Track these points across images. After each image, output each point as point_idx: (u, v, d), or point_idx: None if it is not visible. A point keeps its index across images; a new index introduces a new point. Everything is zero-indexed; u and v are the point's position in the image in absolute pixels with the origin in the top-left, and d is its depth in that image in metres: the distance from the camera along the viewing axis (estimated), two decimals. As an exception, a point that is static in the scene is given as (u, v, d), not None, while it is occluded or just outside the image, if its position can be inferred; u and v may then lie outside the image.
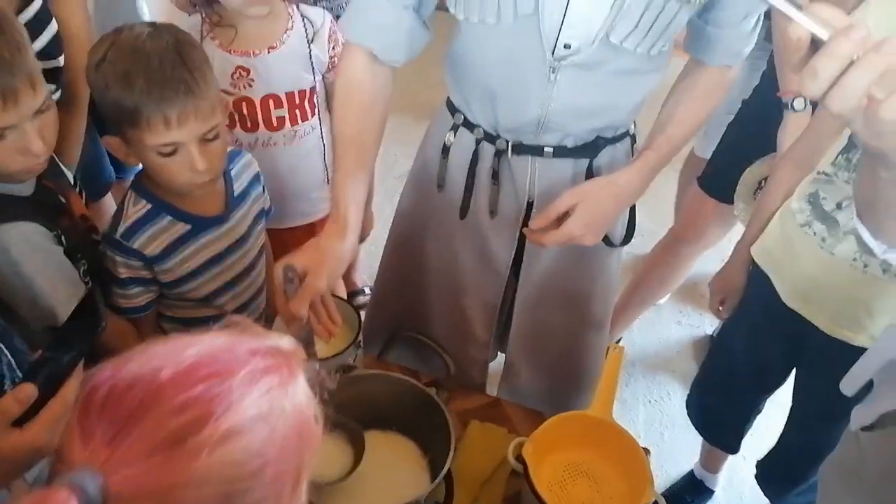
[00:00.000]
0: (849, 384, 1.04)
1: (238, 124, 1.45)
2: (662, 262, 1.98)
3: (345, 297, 1.88)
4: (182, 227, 1.13)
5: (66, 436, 0.46)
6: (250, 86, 1.42)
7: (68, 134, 1.25)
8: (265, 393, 0.48)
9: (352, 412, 1.09)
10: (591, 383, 1.45)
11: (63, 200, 1.06)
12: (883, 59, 0.51)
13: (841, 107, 0.53)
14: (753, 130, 1.63)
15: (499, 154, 1.15)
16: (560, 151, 1.13)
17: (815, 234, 1.22)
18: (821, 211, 1.22)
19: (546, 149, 1.12)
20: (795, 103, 1.39)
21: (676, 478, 1.85)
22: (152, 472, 0.43)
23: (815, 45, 0.54)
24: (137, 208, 1.10)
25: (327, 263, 0.94)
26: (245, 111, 1.43)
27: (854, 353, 1.06)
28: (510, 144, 1.13)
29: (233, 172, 1.21)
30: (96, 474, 0.42)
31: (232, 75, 1.40)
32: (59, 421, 0.63)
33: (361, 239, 1.86)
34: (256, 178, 1.26)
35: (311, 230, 1.61)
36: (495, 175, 1.16)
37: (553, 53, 0.99)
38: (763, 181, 1.63)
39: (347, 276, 2.03)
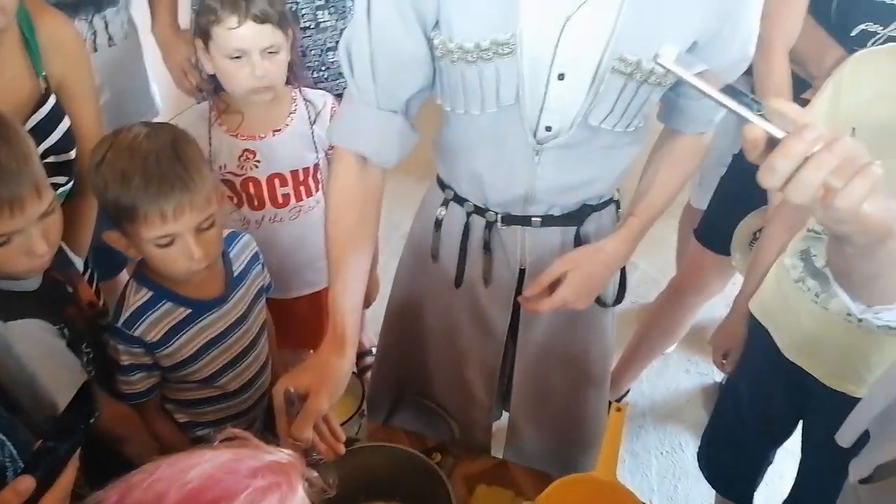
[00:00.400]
0: (845, 436, 1.02)
1: (245, 203, 1.48)
2: (666, 315, 1.95)
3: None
4: (183, 312, 1.13)
5: None
6: (256, 167, 1.45)
7: (79, 223, 1.27)
8: None
9: (354, 484, 1.08)
10: (595, 441, 1.43)
11: (70, 290, 1.07)
12: (834, 158, 0.54)
13: (799, 199, 0.56)
14: (745, 183, 1.58)
15: (489, 226, 1.16)
16: (548, 220, 1.14)
17: (808, 289, 1.20)
18: (812, 267, 1.20)
19: (534, 219, 1.14)
20: None
21: (692, 530, 1.79)
22: None
23: (772, 141, 0.56)
24: (138, 297, 1.11)
25: (328, 383, 0.91)
26: (252, 191, 1.46)
27: (856, 404, 1.04)
28: (499, 216, 1.14)
29: (232, 254, 1.21)
30: None
31: (239, 158, 1.44)
32: None
33: (367, 304, 1.86)
34: (255, 256, 1.27)
35: (316, 299, 1.62)
36: (487, 246, 1.17)
37: (535, 136, 1.01)
38: (758, 232, 1.62)
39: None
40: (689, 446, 1.98)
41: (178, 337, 1.14)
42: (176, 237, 1.02)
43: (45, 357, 0.91)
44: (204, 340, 1.17)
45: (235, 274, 1.21)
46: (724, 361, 1.46)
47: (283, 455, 0.52)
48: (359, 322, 1.00)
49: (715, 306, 2.10)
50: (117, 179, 0.99)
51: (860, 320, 1.15)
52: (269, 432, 1.37)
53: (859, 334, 1.16)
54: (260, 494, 0.48)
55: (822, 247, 1.19)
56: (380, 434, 1.30)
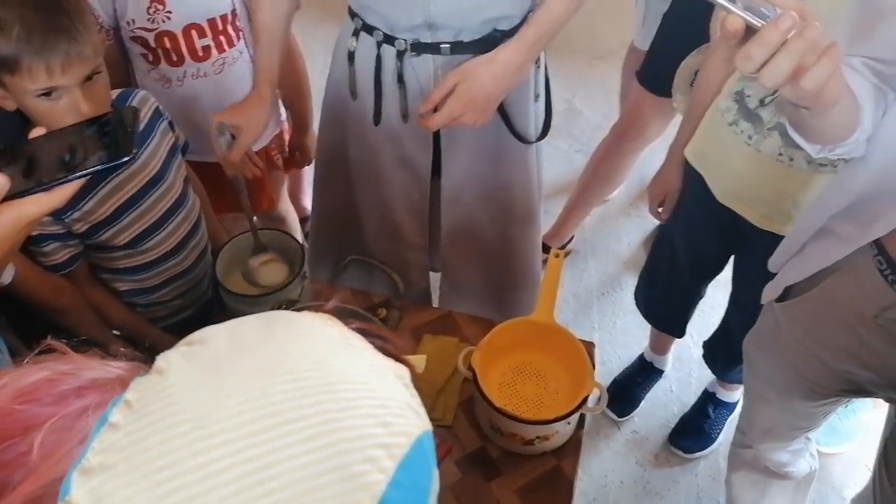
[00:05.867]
0: (775, 263, 1.08)
1: (163, 60, 1.37)
2: (606, 161, 1.90)
3: (297, 220, 1.86)
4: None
5: None
6: (169, 18, 1.29)
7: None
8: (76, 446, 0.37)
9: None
10: (528, 281, 1.46)
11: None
12: (805, 43, 0.59)
13: (772, 83, 0.61)
14: (688, 21, 1.54)
15: (400, 56, 1.11)
16: (458, 48, 1.10)
17: (742, 132, 1.17)
18: (746, 109, 1.16)
19: (443, 45, 1.09)
20: None
21: (630, 361, 1.86)
22: None
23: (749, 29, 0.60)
24: None
25: (252, 125, 1.12)
26: (168, 45, 1.33)
27: (782, 241, 1.09)
28: (409, 44, 1.09)
29: None
30: None
31: (148, 10, 1.29)
32: None
33: (308, 162, 1.81)
34: (157, 113, 1.17)
35: (259, 156, 1.56)
36: (400, 77, 1.13)
37: None
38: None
39: (297, 202, 1.98)
40: (628, 286, 2.01)
41: (84, 202, 1.06)
42: (63, 91, 0.93)
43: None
44: (116, 204, 1.10)
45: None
46: (659, 210, 1.46)
47: (112, 369, 0.42)
48: (274, 73, 1.16)
49: (658, 149, 2.09)
50: None
51: (791, 159, 1.14)
52: (216, 292, 1.36)
53: (790, 174, 1.15)
54: (71, 420, 0.38)
55: (756, 87, 1.15)
56: (326, 294, 1.31)
